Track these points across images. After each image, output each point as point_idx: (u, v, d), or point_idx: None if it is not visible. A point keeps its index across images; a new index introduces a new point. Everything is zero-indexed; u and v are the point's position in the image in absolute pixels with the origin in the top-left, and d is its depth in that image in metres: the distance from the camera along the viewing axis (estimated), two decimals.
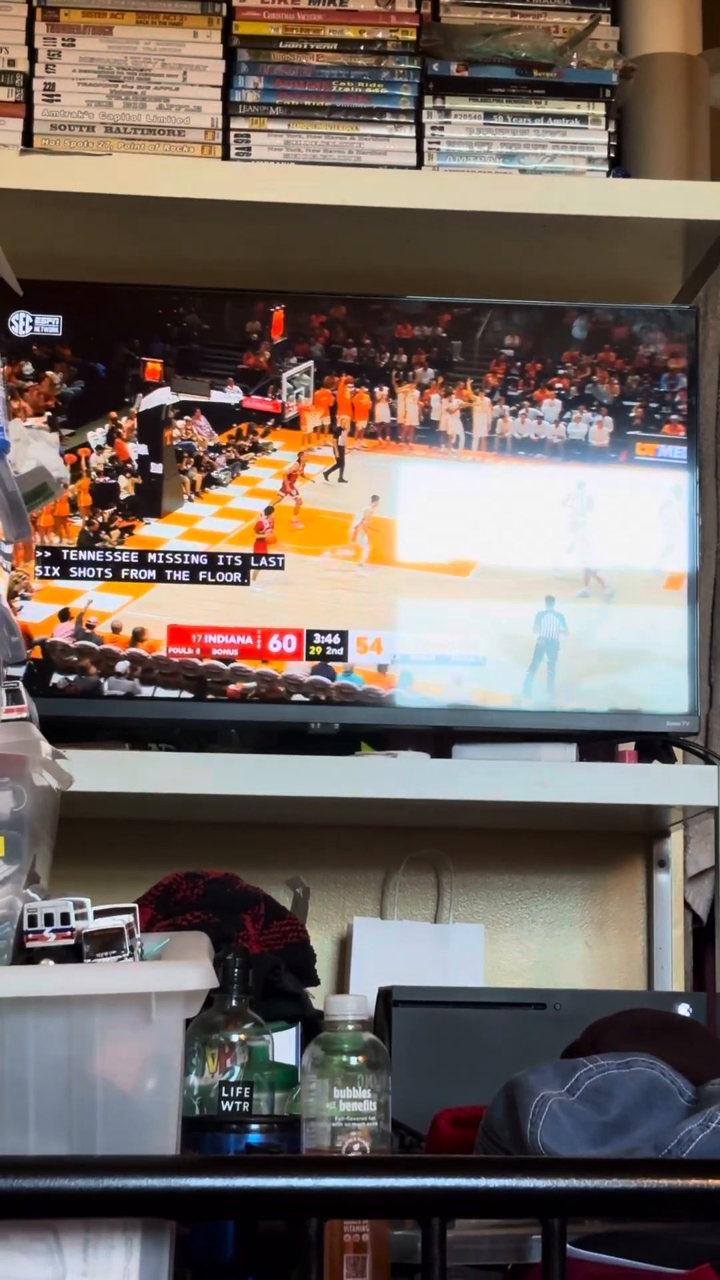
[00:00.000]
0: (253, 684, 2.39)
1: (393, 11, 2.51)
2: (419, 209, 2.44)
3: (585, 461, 2.48)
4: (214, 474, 2.43)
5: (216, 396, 2.44)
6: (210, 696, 2.38)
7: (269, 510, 2.43)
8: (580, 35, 2.52)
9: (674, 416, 2.49)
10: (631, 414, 2.48)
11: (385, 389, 2.46)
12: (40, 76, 2.46)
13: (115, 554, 2.41)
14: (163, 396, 2.44)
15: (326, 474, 2.44)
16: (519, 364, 2.47)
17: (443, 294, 2.50)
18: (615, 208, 2.46)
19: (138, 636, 2.38)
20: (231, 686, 2.38)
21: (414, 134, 2.49)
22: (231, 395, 2.44)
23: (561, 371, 2.48)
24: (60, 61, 2.46)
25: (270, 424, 2.45)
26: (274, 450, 2.44)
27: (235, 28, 2.50)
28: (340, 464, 2.44)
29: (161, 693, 2.38)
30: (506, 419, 2.47)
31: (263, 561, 2.42)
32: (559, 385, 2.47)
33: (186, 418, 2.44)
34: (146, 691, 2.38)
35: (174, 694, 2.38)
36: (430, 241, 2.51)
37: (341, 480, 2.45)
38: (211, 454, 2.44)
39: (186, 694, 2.38)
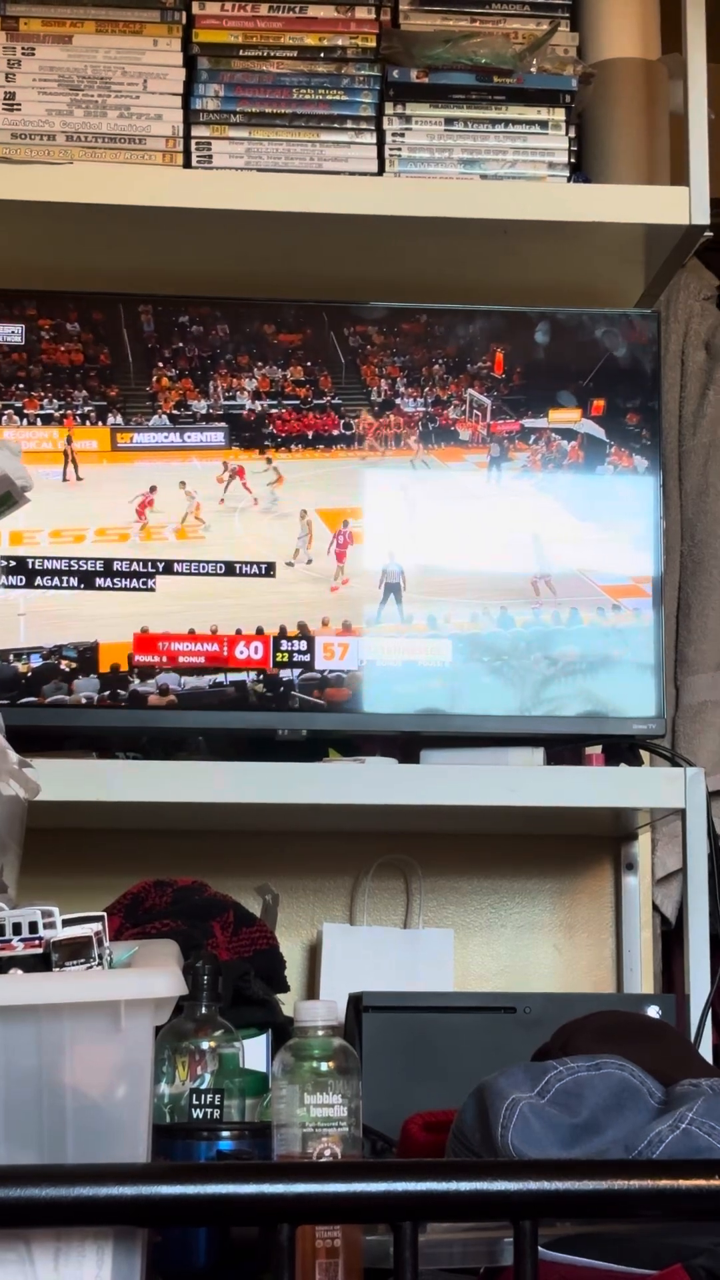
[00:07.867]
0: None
1: (352, 19, 2.51)
2: (381, 215, 2.44)
3: (549, 466, 2.49)
4: None
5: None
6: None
7: None
8: (540, 41, 2.52)
9: (637, 421, 2.49)
10: (594, 419, 2.49)
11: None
12: (0, 86, 2.45)
13: None
14: None
15: None
16: (486, 367, 2.48)
17: (406, 300, 2.51)
18: (576, 212, 2.46)
19: None
20: None
21: (375, 141, 2.49)
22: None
23: (523, 376, 2.49)
24: (20, 71, 2.46)
25: None
26: None
27: (195, 36, 2.49)
28: None
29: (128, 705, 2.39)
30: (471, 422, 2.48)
31: None
32: (523, 388, 2.49)
33: None
34: None
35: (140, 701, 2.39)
36: (392, 248, 2.51)
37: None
38: None
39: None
